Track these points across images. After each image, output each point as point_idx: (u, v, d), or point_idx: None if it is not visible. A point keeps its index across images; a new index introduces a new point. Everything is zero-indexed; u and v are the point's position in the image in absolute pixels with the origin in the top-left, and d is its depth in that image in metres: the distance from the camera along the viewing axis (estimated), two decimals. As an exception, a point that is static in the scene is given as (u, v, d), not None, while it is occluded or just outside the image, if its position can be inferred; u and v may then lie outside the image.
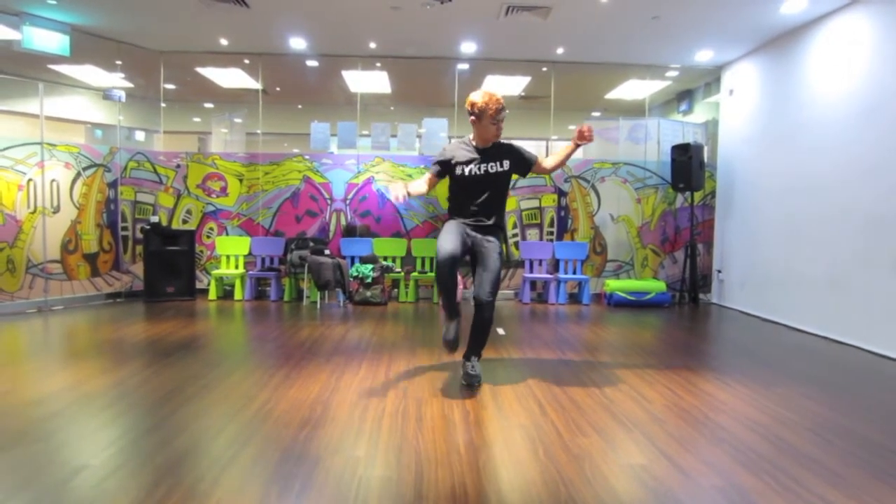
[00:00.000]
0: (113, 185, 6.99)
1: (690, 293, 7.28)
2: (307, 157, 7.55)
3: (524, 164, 3.66)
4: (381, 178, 7.52)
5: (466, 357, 3.69)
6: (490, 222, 3.61)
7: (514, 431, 2.85)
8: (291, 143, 10.10)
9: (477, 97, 3.49)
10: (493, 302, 3.54)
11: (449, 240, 3.44)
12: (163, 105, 7.59)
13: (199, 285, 7.23)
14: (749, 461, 2.53)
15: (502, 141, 3.66)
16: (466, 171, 3.56)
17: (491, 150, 3.60)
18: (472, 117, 3.52)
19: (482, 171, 3.55)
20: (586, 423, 2.98)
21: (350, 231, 7.48)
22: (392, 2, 5.45)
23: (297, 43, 6.84)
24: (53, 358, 4.31)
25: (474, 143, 3.63)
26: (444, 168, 3.65)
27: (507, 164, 3.59)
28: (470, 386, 3.56)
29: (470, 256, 3.66)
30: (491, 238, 3.59)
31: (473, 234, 3.58)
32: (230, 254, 7.28)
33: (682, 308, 7.01)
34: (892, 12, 4.69)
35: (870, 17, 4.93)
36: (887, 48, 4.72)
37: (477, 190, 3.57)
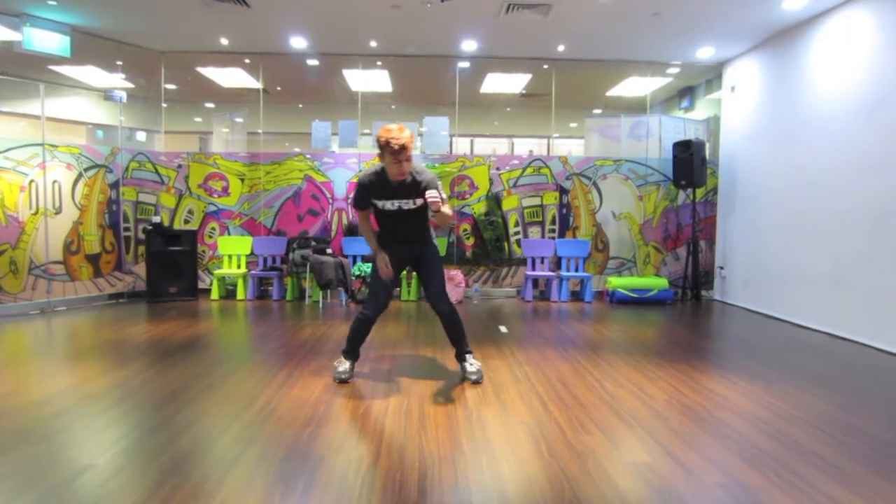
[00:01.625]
0: (114, 185, 7.00)
1: (693, 290, 7.27)
2: (308, 156, 7.55)
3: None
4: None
5: (459, 358, 3.74)
6: (421, 238, 3.64)
7: (517, 429, 2.85)
8: (293, 143, 10.11)
9: (385, 129, 3.25)
10: (447, 300, 3.60)
11: (383, 292, 3.55)
12: (164, 105, 7.59)
13: (201, 285, 7.23)
14: (753, 458, 2.52)
15: (420, 174, 3.41)
16: (387, 205, 3.46)
17: (406, 187, 3.39)
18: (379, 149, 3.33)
19: (396, 208, 3.46)
20: (589, 420, 2.98)
21: (352, 230, 7.48)
22: (392, 0, 5.45)
23: (298, 42, 6.84)
24: (57, 359, 4.32)
25: (388, 177, 3.38)
26: (368, 203, 3.52)
27: (419, 201, 3.44)
28: (478, 382, 3.59)
29: (411, 267, 3.82)
30: (426, 246, 3.65)
31: (408, 254, 3.64)
32: (232, 253, 7.28)
33: (685, 305, 7.00)
34: (894, 7, 4.67)
35: (872, 13, 4.91)
36: (890, 44, 4.71)
37: (400, 220, 3.53)
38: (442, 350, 4.48)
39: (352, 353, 3.67)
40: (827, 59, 5.46)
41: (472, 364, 3.66)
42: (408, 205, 3.46)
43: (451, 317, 3.61)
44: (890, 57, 4.70)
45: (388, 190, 3.42)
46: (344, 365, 3.63)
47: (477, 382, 3.59)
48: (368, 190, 3.47)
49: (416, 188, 3.41)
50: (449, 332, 3.68)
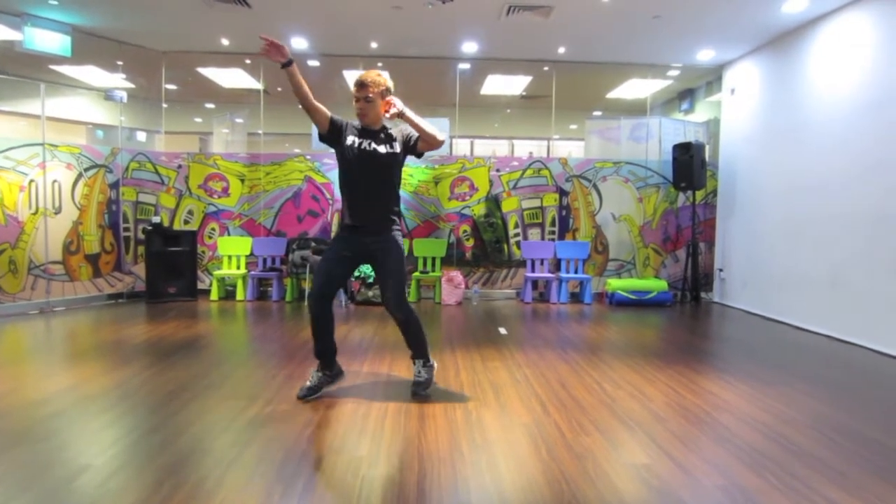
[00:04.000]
0: (114, 185, 6.99)
1: (692, 292, 7.27)
2: (308, 157, 7.55)
3: (409, 141, 3.30)
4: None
5: (413, 359, 3.45)
6: (378, 218, 3.27)
7: (517, 430, 2.85)
8: (293, 144, 10.10)
9: None
10: (402, 305, 3.25)
11: (318, 276, 3.28)
12: (164, 105, 7.59)
13: (200, 286, 7.22)
14: (751, 460, 2.53)
15: (390, 127, 3.34)
16: (354, 142, 3.25)
17: (377, 132, 3.29)
18: None
19: (371, 149, 3.22)
20: (589, 422, 2.98)
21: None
22: (394, 1, 5.45)
23: (299, 43, 6.84)
24: (55, 359, 4.32)
25: (360, 126, 3.32)
26: (336, 127, 3.29)
27: (396, 146, 3.28)
28: (414, 394, 3.33)
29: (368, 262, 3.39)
30: (382, 238, 3.26)
31: (363, 240, 3.25)
32: (232, 254, 7.28)
33: (684, 307, 7.01)
34: (893, 11, 4.68)
35: (871, 16, 4.92)
36: (889, 47, 4.71)
37: (361, 175, 3.24)
38: (441, 351, 4.48)
39: (319, 354, 3.37)
40: (826, 62, 5.47)
41: (419, 372, 3.38)
42: (372, 146, 3.23)
43: (405, 325, 3.31)
44: (889, 60, 4.70)
45: (360, 130, 3.30)
46: (313, 378, 3.34)
47: (419, 393, 3.33)
48: (346, 120, 3.36)
49: (387, 139, 3.28)
50: (405, 337, 3.38)
